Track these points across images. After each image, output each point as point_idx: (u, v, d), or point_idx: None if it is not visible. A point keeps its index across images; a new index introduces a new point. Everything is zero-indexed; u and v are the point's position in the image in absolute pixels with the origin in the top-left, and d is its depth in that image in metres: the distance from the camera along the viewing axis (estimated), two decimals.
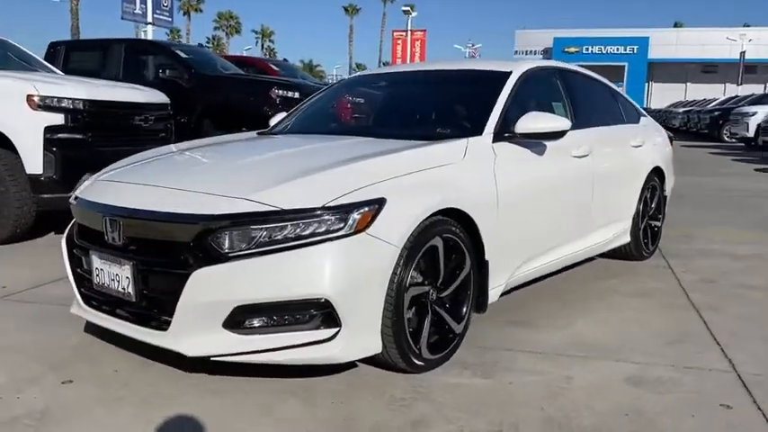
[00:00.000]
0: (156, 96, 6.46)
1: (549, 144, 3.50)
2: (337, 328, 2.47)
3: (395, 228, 2.56)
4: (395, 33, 33.54)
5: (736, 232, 6.29)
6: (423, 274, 2.74)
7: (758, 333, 3.39)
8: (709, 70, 52.34)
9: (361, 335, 2.51)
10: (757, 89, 40.99)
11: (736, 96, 27.07)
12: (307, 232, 2.43)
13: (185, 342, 2.50)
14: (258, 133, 4.10)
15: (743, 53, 40.78)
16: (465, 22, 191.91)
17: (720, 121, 22.52)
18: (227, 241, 2.44)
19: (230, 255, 2.42)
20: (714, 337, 3.32)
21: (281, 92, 8.39)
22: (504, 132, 3.33)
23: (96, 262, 2.75)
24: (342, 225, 2.45)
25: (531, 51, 54.77)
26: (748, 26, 52.90)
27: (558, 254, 3.79)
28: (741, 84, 39.29)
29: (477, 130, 3.30)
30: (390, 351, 2.63)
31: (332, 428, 2.37)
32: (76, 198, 3.04)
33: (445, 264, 2.85)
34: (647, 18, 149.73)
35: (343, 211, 2.47)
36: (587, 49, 52.65)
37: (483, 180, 3.09)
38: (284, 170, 2.72)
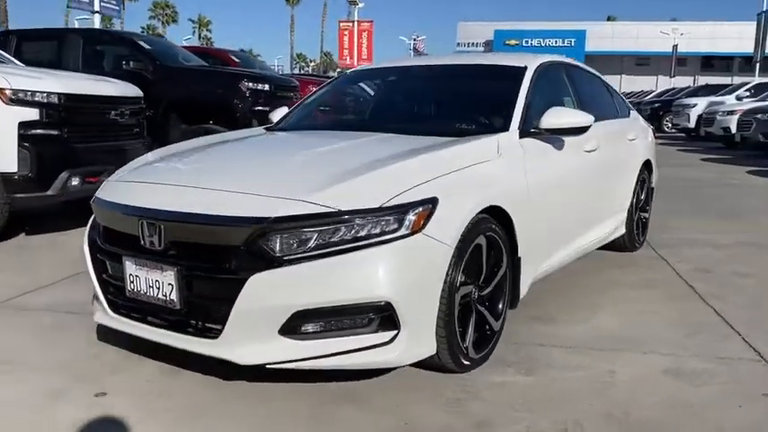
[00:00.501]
0: (131, 90, 6.21)
1: (566, 139, 3.53)
2: (395, 331, 2.42)
3: (448, 227, 2.53)
4: (341, 24, 33.28)
5: (708, 222, 6.53)
6: (467, 274, 2.72)
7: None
8: (642, 63, 54.21)
9: (418, 337, 2.47)
10: (688, 81, 42.77)
11: (674, 88, 28.11)
12: (364, 233, 2.37)
13: (238, 350, 2.41)
14: (266, 129, 3.98)
15: (675, 46, 42.39)
16: (408, 14, 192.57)
17: (661, 113, 23.35)
18: (284, 244, 2.35)
19: (288, 258, 2.34)
20: (731, 326, 3.42)
21: (251, 84, 8.20)
22: (530, 128, 3.34)
23: (131, 268, 2.61)
24: (399, 226, 2.40)
25: (473, 44, 55.45)
26: (675, 20, 55.01)
27: (573, 247, 3.84)
28: (674, 76, 40.83)
29: (504, 127, 3.30)
30: (442, 352, 2.60)
31: None
32: (97, 200, 2.88)
33: (486, 262, 2.84)
34: (584, 11, 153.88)
35: (400, 211, 2.42)
36: (527, 41, 53.65)
37: (516, 176, 3.09)
38: (329, 170, 2.64)
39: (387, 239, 2.38)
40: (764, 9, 26.89)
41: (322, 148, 3.07)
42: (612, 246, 4.88)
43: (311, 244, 2.35)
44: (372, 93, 4.32)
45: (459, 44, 55.89)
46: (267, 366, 2.42)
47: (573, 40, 52.72)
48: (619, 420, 2.43)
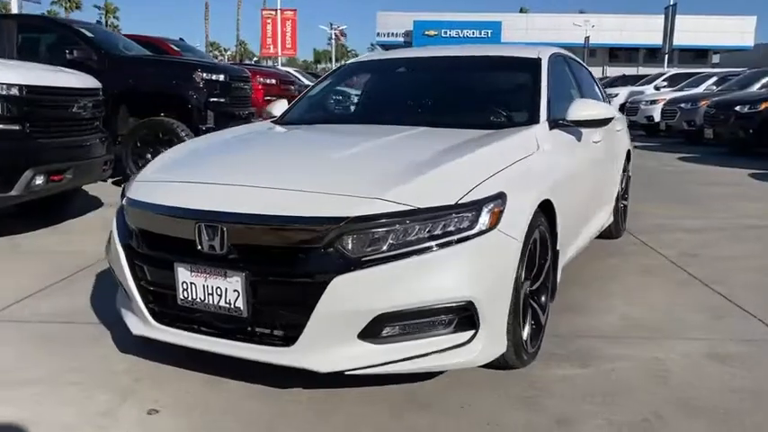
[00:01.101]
0: (90, 81, 5.81)
1: (584, 131, 3.57)
2: (473, 331, 2.36)
3: (517, 223, 2.50)
4: (264, 12, 32.47)
5: (667, 207, 6.80)
6: (526, 269, 2.69)
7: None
8: None
9: (493, 336, 2.43)
10: (597, 72, 44.52)
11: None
12: (441, 231, 2.30)
13: (315, 357, 2.28)
14: (275, 122, 3.82)
15: (587, 38, 44.05)
16: (328, 3, 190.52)
17: None
18: (365, 244, 2.25)
19: (370, 259, 2.23)
20: (743, 309, 3.57)
21: (205, 75, 7.86)
22: (558, 119, 3.35)
23: (184, 275, 2.42)
24: (475, 222, 2.34)
25: (392, 34, 55.67)
26: (583, 12, 57.23)
27: (585, 236, 3.91)
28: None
29: (534, 119, 3.29)
30: (508, 349, 2.57)
31: None
32: (132, 201, 2.65)
33: (538, 256, 2.83)
34: (498, 3, 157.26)
35: (476, 207, 2.36)
36: (445, 32, 54.38)
37: (553, 169, 3.09)
38: (392, 166, 2.55)
39: (465, 237, 2.31)
40: (672, 3, 28.31)
41: (368, 144, 2.94)
42: (600, 234, 4.99)
43: (391, 243, 2.26)
44: (380, 85, 4.21)
45: (378, 34, 55.94)
46: (346, 373, 2.31)
47: (489, 31, 53.85)
48: (691, 409, 2.47)
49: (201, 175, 2.66)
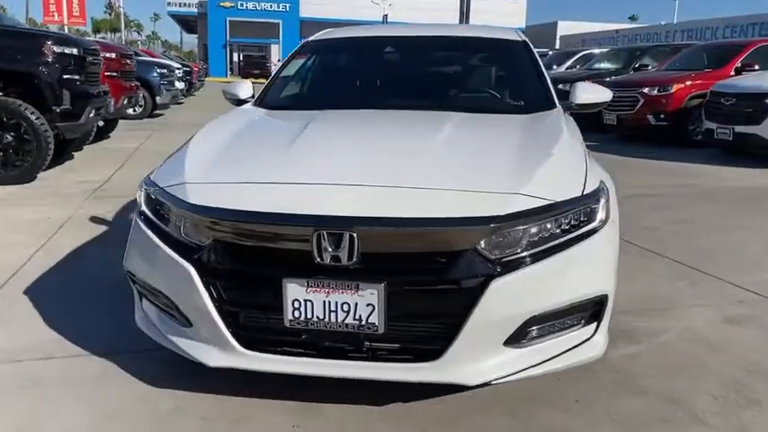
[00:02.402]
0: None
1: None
2: (596, 324, 2.33)
3: (615, 211, 2.49)
4: None
5: None
6: None
7: (741, 265, 4.12)
8: None
9: (606, 327, 2.41)
10: None
11: None
12: (575, 225, 2.22)
13: (464, 370, 2.09)
14: (260, 106, 3.40)
15: (385, 16, 45.45)
16: None
17: None
18: (514, 244, 2.09)
19: (521, 259, 2.09)
20: (705, 272, 3.95)
21: (57, 47, 6.77)
22: (565, 104, 3.40)
23: (296, 292, 2.06)
24: (598, 214, 2.30)
25: (184, 3, 52.68)
26: None
27: None
28: None
29: (551, 104, 3.30)
30: None
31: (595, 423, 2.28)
32: (206, 209, 2.18)
33: None
34: None
35: (596, 198, 2.32)
36: (242, 4, 52.75)
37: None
38: (497, 159, 2.42)
39: (593, 229, 2.26)
40: None
41: (435, 133, 2.70)
42: None
43: (536, 241, 2.13)
44: (363, 67, 3.92)
45: (169, 3, 52.60)
46: (492, 383, 2.15)
47: (288, 4, 53.25)
48: (759, 371, 2.68)
49: (291, 175, 2.28)
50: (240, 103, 3.71)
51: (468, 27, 4.24)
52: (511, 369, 2.15)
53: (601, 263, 2.27)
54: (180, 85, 16.61)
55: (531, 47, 3.71)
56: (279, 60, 49.18)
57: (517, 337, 2.14)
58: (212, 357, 2.21)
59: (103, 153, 8.86)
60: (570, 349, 2.26)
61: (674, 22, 38.89)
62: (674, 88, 10.26)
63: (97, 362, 2.68)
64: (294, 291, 2.06)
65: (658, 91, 10.32)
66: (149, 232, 2.34)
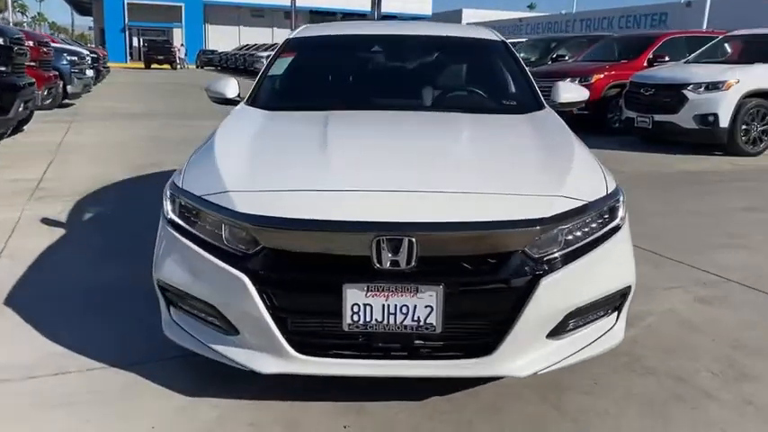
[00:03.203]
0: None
1: None
2: (616, 313, 2.51)
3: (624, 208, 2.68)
4: None
5: None
6: None
7: (690, 247, 4.47)
8: (257, 14, 55.85)
9: (625, 315, 2.59)
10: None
11: None
12: (604, 223, 2.39)
13: (515, 363, 2.22)
14: (257, 107, 3.36)
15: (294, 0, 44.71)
16: None
17: None
18: (558, 243, 2.23)
19: (563, 257, 2.23)
20: (661, 255, 4.28)
21: None
22: (549, 103, 3.57)
23: (355, 297, 2.10)
24: (620, 211, 2.47)
25: None
26: None
27: None
28: (294, 29, 43.20)
29: (540, 104, 3.47)
30: None
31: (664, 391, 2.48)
32: (260, 218, 2.16)
33: None
34: None
35: (618, 197, 2.49)
36: None
37: None
38: (528, 161, 2.57)
39: (617, 226, 2.43)
40: None
41: (454, 135, 2.81)
42: None
43: (576, 239, 2.28)
44: (344, 64, 3.93)
45: None
46: (538, 373, 2.29)
47: None
48: (742, 347, 2.97)
49: (340, 182, 2.30)
50: (227, 102, 3.66)
51: (447, 26, 4.33)
52: (553, 360, 2.30)
53: (626, 256, 2.46)
54: (90, 72, 15.81)
55: (511, 47, 3.86)
56: (182, 45, 47.50)
57: (557, 330, 2.29)
58: (265, 364, 2.22)
59: (26, 148, 8.35)
60: (598, 338, 2.43)
61: (574, 11, 40.62)
62: (594, 79, 10.81)
63: (119, 374, 2.61)
64: (354, 295, 2.11)
65: (579, 81, 10.80)
66: (187, 242, 2.31)
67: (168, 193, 2.50)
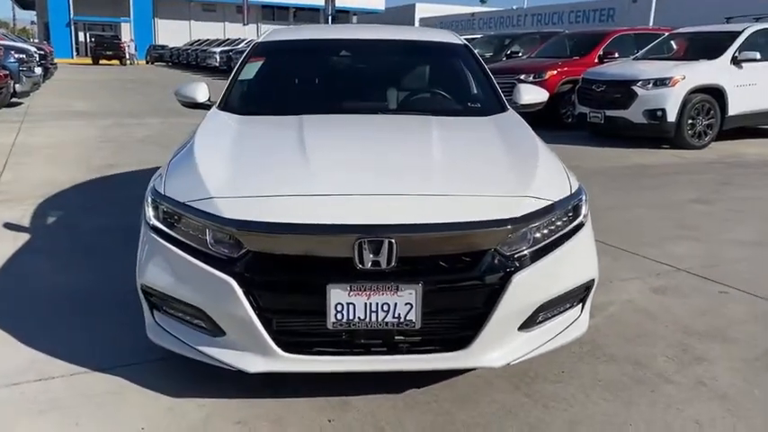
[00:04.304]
0: None
1: None
2: (581, 305, 2.68)
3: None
4: None
5: None
6: None
7: (645, 240, 4.70)
8: (209, 9, 55.01)
9: (589, 307, 2.76)
10: (252, 30, 45.42)
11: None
12: (568, 221, 2.55)
13: (490, 355, 2.36)
14: (241, 114, 3.42)
15: None
16: None
17: None
18: (526, 242, 2.38)
19: (532, 254, 2.38)
20: (618, 248, 4.50)
21: None
22: (510, 105, 3.72)
23: (338, 297, 2.21)
24: (584, 209, 2.64)
25: None
26: None
27: None
28: (246, 24, 42.83)
29: (503, 106, 3.62)
30: None
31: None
32: (246, 223, 2.25)
33: None
34: None
35: (581, 196, 2.65)
36: None
37: None
38: (497, 163, 2.72)
39: (581, 224, 2.59)
40: None
41: (423, 139, 2.93)
42: None
43: (543, 237, 2.43)
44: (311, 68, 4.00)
45: None
46: (511, 363, 2.43)
47: None
48: (693, 333, 3.18)
49: (322, 187, 2.39)
50: (197, 106, 3.70)
51: (414, 29, 4.47)
52: (525, 350, 2.45)
53: (589, 251, 2.63)
54: (39, 70, 15.42)
55: (473, 50, 4.00)
56: (132, 40, 46.44)
57: (528, 323, 2.44)
58: (252, 363, 2.31)
59: None
60: (564, 329, 2.59)
61: (525, 6, 41.29)
62: (548, 75, 11.13)
63: (104, 378, 2.65)
64: (337, 295, 2.22)
65: (534, 78, 11.09)
66: (172, 247, 2.37)
67: (150, 199, 2.56)
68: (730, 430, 2.39)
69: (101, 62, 40.06)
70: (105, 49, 40.41)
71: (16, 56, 13.38)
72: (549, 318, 2.53)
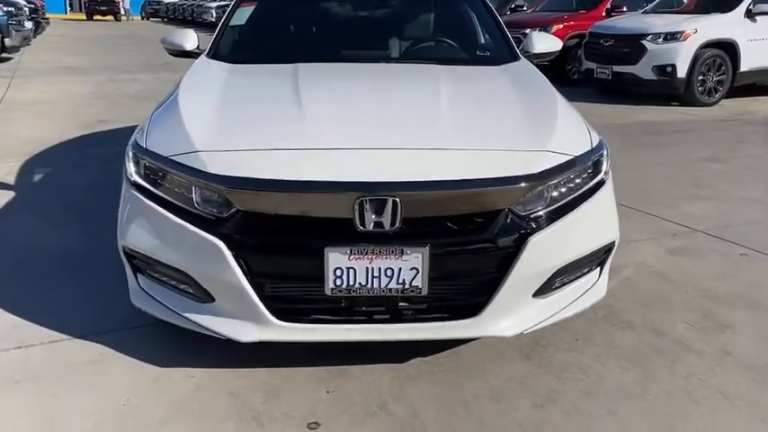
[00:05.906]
0: None
1: None
2: (599, 269, 2.49)
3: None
4: None
5: None
6: None
7: (658, 199, 4.49)
8: None
9: (608, 270, 2.56)
10: None
11: None
12: (589, 178, 2.34)
13: (502, 323, 2.17)
14: (219, 59, 3.16)
15: None
16: None
17: None
18: (544, 200, 2.17)
19: (549, 214, 2.17)
20: (629, 207, 4.29)
21: None
22: (524, 54, 3.48)
23: (337, 260, 2.01)
24: (604, 166, 2.43)
25: None
26: None
27: None
28: None
29: (514, 54, 3.37)
30: None
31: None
32: (235, 180, 2.03)
33: None
34: None
35: (602, 151, 2.45)
36: None
37: None
38: (512, 115, 2.50)
39: (602, 181, 2.39)
40: None
41: (434, 88, 2.68)
42: None
43: (562, 195, 2.22)
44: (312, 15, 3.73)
45: None
46: (524, 333, 2.25)
47: None
48: (715, 297, 3.00)
49: (318, 141, 2.17)
50: (185, 54, 3.45)
51: None
52: (539, 318, 2.27)
53: (610, 211, 2.42)
54: (29, 24, 14.99)
55: None
56: None
57: (544, 289, 2.25)
58: (244, 332, 2.13)
59: None
60: (582, 295, 2.40)
61: None
62: (554, 29, 10.68)
63: (86, 345, 2.48)
64: (336, 259, 2.02)
65: (539, 32, 10.69)
66: (155, 205, 2.17)
67: (131, 153, 2.34)
68: (756, 402, 2.22)
69: (95, 18, 39.17)
70: (99, 4, 39.45)
71: (5, 9, 12.97)
72: (567, 283, 2.34)
